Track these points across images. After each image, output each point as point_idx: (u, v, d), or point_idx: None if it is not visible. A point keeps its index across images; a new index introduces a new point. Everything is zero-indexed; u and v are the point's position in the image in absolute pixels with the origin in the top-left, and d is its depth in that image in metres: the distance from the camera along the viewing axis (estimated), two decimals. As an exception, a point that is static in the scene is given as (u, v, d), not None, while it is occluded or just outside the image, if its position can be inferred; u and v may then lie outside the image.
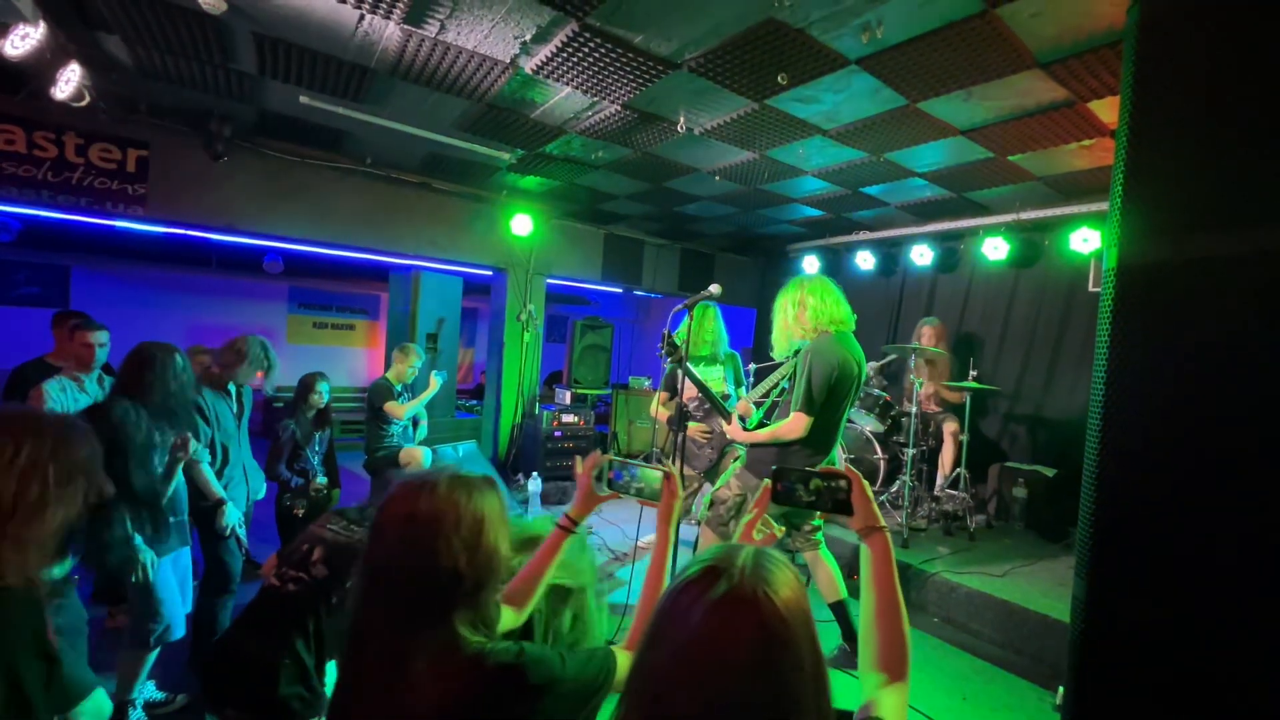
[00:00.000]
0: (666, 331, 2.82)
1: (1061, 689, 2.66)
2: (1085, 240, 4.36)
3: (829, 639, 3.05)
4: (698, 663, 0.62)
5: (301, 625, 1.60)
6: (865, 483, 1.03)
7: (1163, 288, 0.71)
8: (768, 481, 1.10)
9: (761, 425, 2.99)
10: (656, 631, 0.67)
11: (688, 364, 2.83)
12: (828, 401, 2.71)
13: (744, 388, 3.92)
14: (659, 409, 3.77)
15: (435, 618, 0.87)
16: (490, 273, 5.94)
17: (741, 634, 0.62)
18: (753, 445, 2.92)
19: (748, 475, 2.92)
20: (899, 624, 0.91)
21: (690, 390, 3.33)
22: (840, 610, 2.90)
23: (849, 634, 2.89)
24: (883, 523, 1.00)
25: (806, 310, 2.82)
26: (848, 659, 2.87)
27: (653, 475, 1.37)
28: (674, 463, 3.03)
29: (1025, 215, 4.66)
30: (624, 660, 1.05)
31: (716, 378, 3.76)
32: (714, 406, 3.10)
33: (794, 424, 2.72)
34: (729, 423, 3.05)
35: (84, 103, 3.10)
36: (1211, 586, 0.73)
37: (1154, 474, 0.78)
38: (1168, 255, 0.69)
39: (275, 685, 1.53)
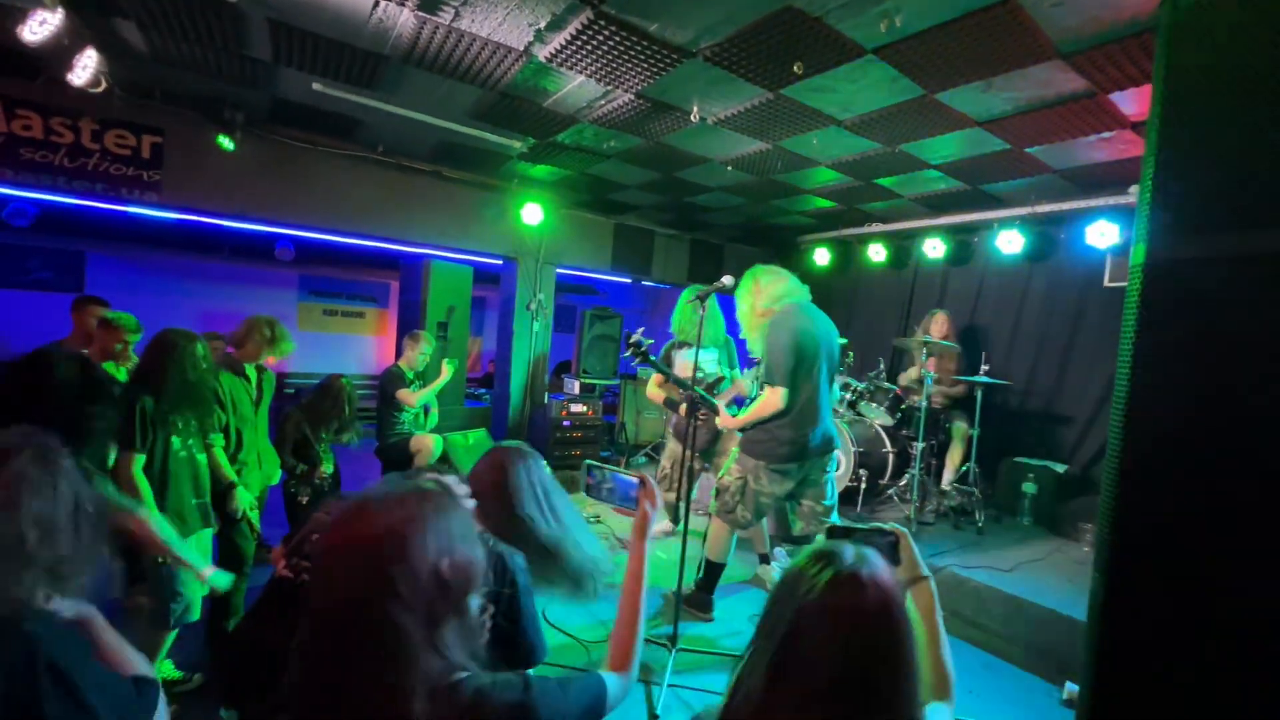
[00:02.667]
0: (627, 334, 2.94)
1: (1069, 684, 2.68)
2: (1102, 234, 4.30)
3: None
4: (825, 627, 0.76)
5: None
6: (910, 538, 1.14)
7: (1191, 284, 0.70)
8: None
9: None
10: (780, 604, 0.82)
11: (664, 362, 2.95)
12: (797, 369, 2.77)
13: (738, 370, 3.97)
14: (654, 390, 3.94)
15: (419, 651, 0.76)
16: (500, 262, 5.95)
17: (863, 601, 0.77)
18: (750, 430, 2.96)
19: (745, 458, 2.96)
20: (943, 660, 1.05)
21: (685, 372, 3.53)
22: None
23: None
24: (927, 572, 1.13)
25: (749, 303, 2.96)
26: None
27: (628, 484, 1.32)
28: (689, 455, 3.07)
29: (1041, 208, 4.60)
30: (613, 685, 1.02)
31: (709, 358, 3.83)
32: (701, 402, 3.18)
33: (770, 399, 2.78)
34: (717, 414, 3.13)
35: (100, 89, 3.11)
36: (1235, 584, 0.73)
37: (1177, 471, 0.77)
38: (1198, 252, 0.68)
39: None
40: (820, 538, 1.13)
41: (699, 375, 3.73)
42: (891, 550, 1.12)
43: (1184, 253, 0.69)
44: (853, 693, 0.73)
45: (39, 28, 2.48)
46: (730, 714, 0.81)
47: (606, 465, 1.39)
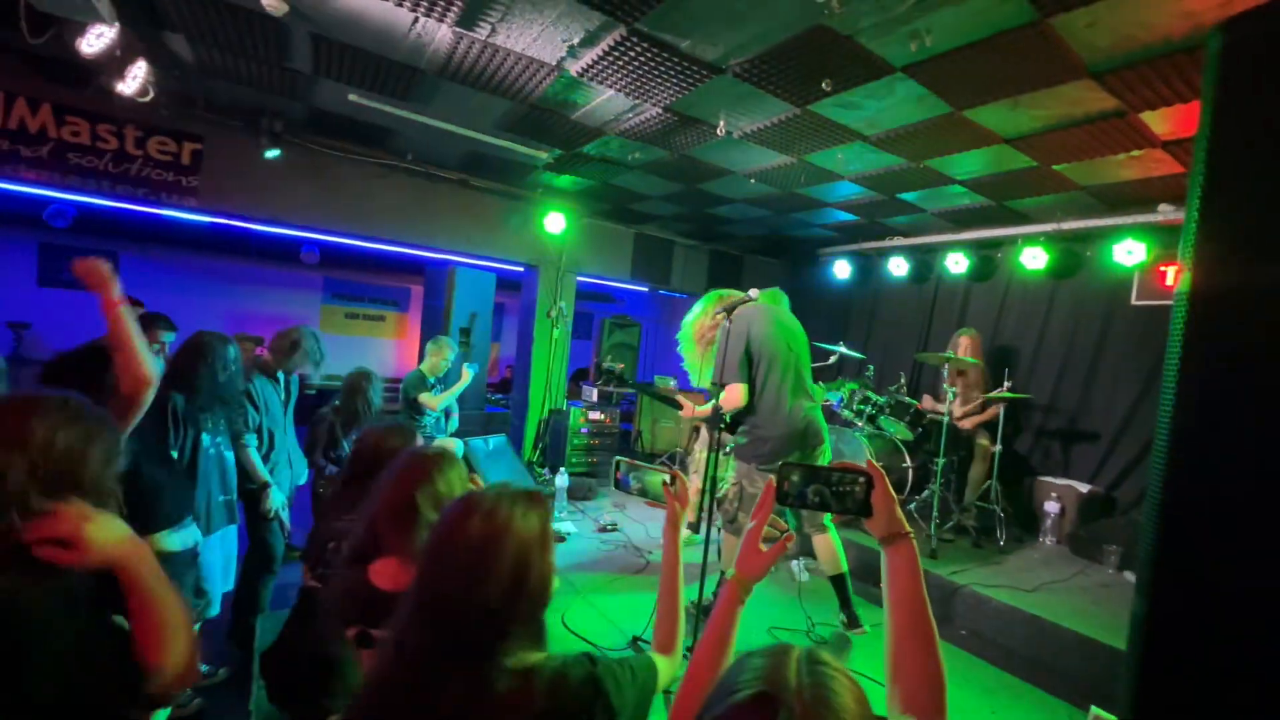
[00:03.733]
0: (598, 362, 3.04)
1: (1095, 709, 2.63)
2: (1129, 252, 4.25)
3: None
4: None
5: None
6: (887, 481, 0.88)
7: (1241, 314, 0.71)
8: (772, 478, 0.96)
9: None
10: None
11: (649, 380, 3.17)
12: (755, 365, 2.87)
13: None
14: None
15: (511, 639, 0.86)
16: (522, 269, 6.03)
17: None
18: (738, 436, 3.03)
19: (738, 464, 3.01)
20: (933, 653, 0.78)
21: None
22: (840, 584, 3.02)
23: (846, 603, 3.03)
24: (908, 528, 0.87)
25: (701, 326, 3.14)
26: (847, 626, 3.05)
27: (657, 478, 1.38)
28: (713, 463, 3.11)
29: (1067, 225, 4.57)
30: (662, 665, 1.10)
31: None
32: (666, 402, 3.40)
33: (730, 394, 2.84)
34: (681, 410, 3.21)
35: (147, 98, 3.23)
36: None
37: (1224, 500, 0.78)
38: (1248, 281, 0.69)
39: (344, 678, 1.58)
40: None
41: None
42: (864, 498, 0.88)
43: (1233, 282, 0.70)
44: None
45: (95, 40, 2.59)
46: None
47: (637, 461, 1.43)
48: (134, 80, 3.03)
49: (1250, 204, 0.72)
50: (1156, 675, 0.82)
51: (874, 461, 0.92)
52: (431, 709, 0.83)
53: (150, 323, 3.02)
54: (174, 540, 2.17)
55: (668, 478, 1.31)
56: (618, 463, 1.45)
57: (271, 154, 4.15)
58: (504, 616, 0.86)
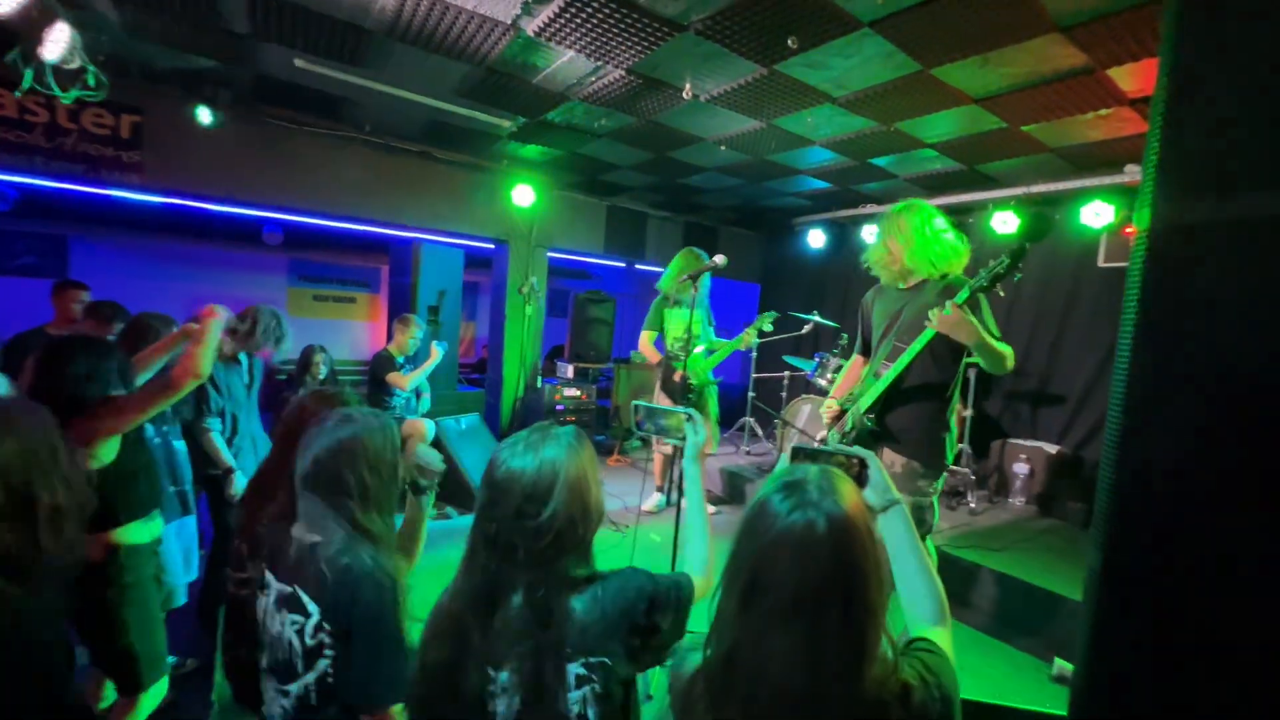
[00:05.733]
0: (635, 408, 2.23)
1: (1058, 660, 2.71)
2: (1097, 214, 4.27)
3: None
4: (786, 554, 0.80)
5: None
6: (876, 461, 1.12)
7: (1200, 250, 0.67)
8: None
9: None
10: (748, 531, 0.85)
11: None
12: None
13: (711, 331, 4.35)
14: (648, 346, 4.33)
15: (568, 561, 1.03)
16: (492, 245, 5.88)
17: (819, 531, 0.79)
18: (911, 403, 2.57)
19: (909, 461, 2.48)
20: (931, 580, 1.03)
21: (676, 331, 4.19)
22: None
23: None
24: (899, 496, 1.10)
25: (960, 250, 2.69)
26: None
27: (677, 419, 1.52)
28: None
29: (1036, 188, 4.57)
30: (698, 582, 1.22)
31: (684, 320, 4.09)
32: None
33: (1010, 354, 2.38)
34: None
35: (74, 65, 3.01)
36: (1240, 559, 0.72)
37: (1181, 443, 0.75)
38: (1208, 215, 0.65)
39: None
40: (785, 459, 1.22)
41: (683, 337, 4.16)
42: (858, 474, 1.11)
43: (1193, 216, 0.66)
44: (812, 613, 0.78)
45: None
46: (711, 636, 0.88)
47: (655, 405, 1.57)
48: (56, 45, 2.81)
49: (1211, 131, 0.68)
50: (1109, 622, 0.81)
51: (866, 454, 1.13)
52: (503, 615, 1.00)
53: (109, 314, 2.87)
54: (142, 533, 2.06)
55: (686, 415, 1.46)
56: (636, 408, 1.58)
57: (207, 119, 3.93)
58: (560, 540, 1.01)
